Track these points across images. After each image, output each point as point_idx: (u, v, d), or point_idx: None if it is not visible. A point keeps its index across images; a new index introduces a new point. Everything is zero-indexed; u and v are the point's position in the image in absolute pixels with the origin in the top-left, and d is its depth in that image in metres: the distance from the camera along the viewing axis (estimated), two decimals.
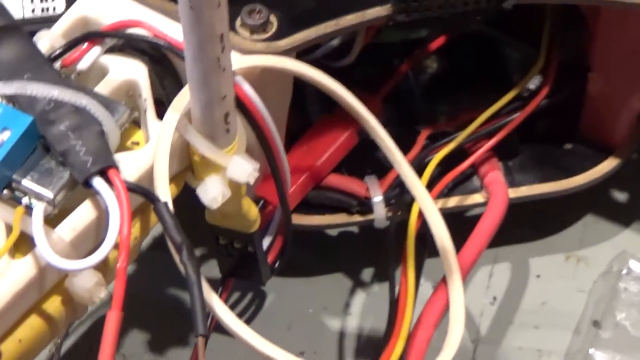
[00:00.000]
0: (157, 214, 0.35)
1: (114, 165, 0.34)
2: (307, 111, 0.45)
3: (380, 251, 0.47)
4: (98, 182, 0.34)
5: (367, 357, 0.45)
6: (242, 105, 0.36)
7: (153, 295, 0.44)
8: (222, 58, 0.33)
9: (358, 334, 0.46)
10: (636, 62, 0.44)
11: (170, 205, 0.35)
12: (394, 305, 0.41)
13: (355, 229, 0.48)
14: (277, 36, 0.39)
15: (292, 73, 0.39)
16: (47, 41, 0.38)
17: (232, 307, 0.44)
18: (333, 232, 0.48)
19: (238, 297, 0.46)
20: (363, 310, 0.47)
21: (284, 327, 0.45)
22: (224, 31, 0.32)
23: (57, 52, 0.38)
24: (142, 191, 0.35)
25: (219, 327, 0.38)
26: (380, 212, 0.45)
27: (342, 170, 0.46)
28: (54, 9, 0.44)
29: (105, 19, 0.39)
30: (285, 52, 0.39)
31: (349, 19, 0.40)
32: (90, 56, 0.38)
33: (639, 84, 0.45)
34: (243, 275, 0.42)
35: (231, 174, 0.36)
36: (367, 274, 0.47)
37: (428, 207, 0.41)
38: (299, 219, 0.44)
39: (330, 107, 0.45)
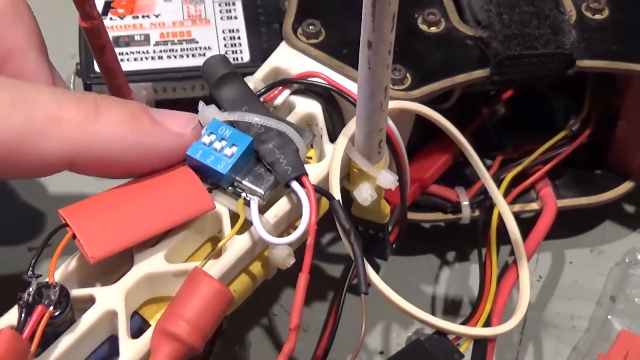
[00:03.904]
0: (332, 207, 0.36)
1: (305, 173, 0.36)
2: (412, 138, 0.44)
3: (459, 240, 0.48)
4: (295, 185, 0.36)
5: (451, 312, 0.46)
6: (386, 134, 0.37)
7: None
8: (383, 103, 0.34)
9: (445, 298, 0.47)
10: None
11: (341, 202, 0.37)
12: (483, 278, 0.42)
13: (442, 224, 0.48)
14: (411, 87, 0.40)
15: (421, 114, 0.40)
16: (252, 83, 0.39)
17: None
18: (427, 226, 0.48)
19: None
20: (448, 281, 0.47)
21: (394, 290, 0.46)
22: (387, 84, 0.34)
23: (262, 91, 0.39)
24: (323, 192, 0.37)
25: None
26: (466, 213, 0.45)
27: (440, 182, 0.46)
28: (242, 59, 0.47)
29: (292, 69, 0.41)
30: (416, 99, 0.40)
31: (461, 77, 0.41)
32: (283, 95, 0.40)
33: None
34: (372, 252, 0.43)
35: (380, 182, 0.38)
36: (450, 256, 0.48)
37: (505, 211, 0.42)
38: (409, 215, 0.45)
39: (427, 137, 0.46)
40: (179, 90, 0.47)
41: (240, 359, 0.44)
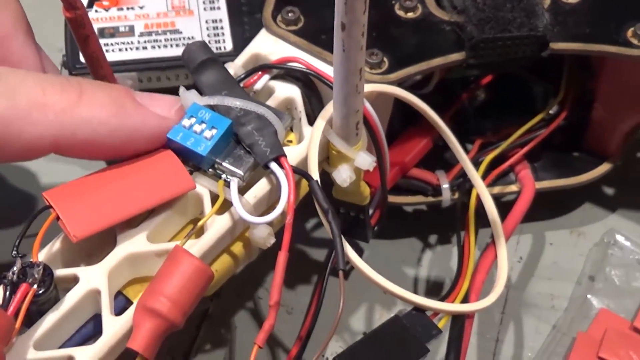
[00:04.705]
0: (311, 188, 0.37)
1: (284, 155, 0.37)
2: (393, 123, 0.45)
3: (441, 222, 0.48)
4: (274, 166, 0.36)
5: (432, 293, 0.46)
6: (364, 117, 0.38)
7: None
8: (359, 85, 0.35)
9: (427, 279, 0.47)
10: (626, 98, 0.45)
11: (319, 182, 0.37)
12: (461, 258, 0.42)
13: (424, 207, 0.49)
14: (388, 71, 0.41)
15: (398, 97, 0.41)
16: (232, 69, 0.40)
17: None
18: (409, 209, 0.49)
19: None
20: (430, 263, 0.48)
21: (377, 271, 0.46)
22: (362, 66, 0.34)
23: (242, 76, 0.40)
24: (301, 172, 0.37)
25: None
26: (446, 195, 0.46)
27: (420, 165, 0.47)
28: (225, 48, 0.48)
29: (272, 55, 0.41)
30: (393, 83, 0.41)
31: (437, 61, 0.41)
32: (262, 81, 0.40)
33: (627, 113, 0.46)
34: (354, 235, 0.44)
35: (358, 163, 0.38)
36: (432, 238, 0.48)
37: (483, 192, 0.43)
38: (391, 199, 0.45)
39: (408, 122, 0.46)
40: (163, 80, 0.47)
41: (226, 342, 0.45)
